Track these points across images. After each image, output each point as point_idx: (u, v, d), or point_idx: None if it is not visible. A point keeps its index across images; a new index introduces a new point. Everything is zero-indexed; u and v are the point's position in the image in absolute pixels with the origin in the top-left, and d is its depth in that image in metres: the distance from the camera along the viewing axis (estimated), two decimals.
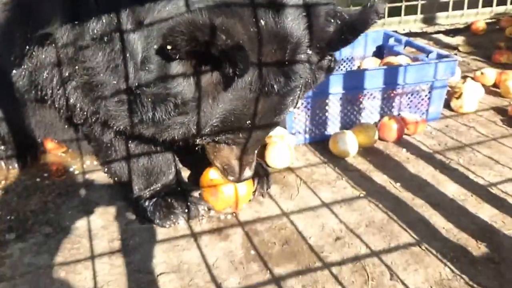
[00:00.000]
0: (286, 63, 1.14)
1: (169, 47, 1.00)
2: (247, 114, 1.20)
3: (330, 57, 1.32)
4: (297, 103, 1.32)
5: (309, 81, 1.29)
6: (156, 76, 1.12)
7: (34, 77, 1.43)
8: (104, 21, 1.16)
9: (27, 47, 1.38)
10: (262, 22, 1.09)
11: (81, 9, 1.20)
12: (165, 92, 1.13)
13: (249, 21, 1.08)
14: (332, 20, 1.20)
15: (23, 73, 1.47)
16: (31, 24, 1.35)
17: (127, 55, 1.14)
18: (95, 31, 1.17)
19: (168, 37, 0.99)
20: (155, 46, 1.10)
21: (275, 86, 1.15)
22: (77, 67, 1.24)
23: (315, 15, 1.18)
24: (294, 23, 1.14)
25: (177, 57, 1.06)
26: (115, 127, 1.30)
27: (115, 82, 1.19)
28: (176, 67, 1.10)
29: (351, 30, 1.19)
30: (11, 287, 1.30)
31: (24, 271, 1.36)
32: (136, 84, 1.15)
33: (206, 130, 1.22)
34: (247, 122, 1.23)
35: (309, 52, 1.20)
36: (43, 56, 1.34)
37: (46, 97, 1.46)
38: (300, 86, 1.24)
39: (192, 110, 1.16)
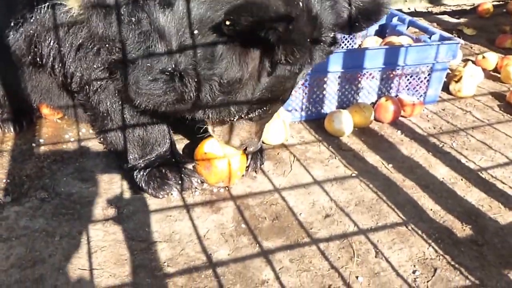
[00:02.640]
0: (318, 44, 1.17)
1: (227, 23, 1.00)
2: (280, 91, 1.25)
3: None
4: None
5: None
6: (201, 57, 1.14)
7: (33, 42, 1.42)
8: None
9: (30, 13, 1.37)
10: (301, 4, 1.10)
11: None
12: (210, 72, 1.16)
13: (293, 2, 1.09)
14: (348, 6, 1.22)
15: (22, 37, 1.45)
16: None
17: (158, 36, 1.15)
18: (122, 10, 1.17)
19: (232, 13, 1.00)
20: (197, 26, 1.10)
21: (304, 65, 1.20)
22: (107, 45, 1.25)
23: None
24: (321, 5, 1.16)
25: (227, 36, 1.07)
26: (140, 106, 1.31)
27: (149, 64, 1.19)
28: (221, 48, 1.12)
29: (364, 19, 1.22)
30: (8, 248, 1.34)
31: (20, 233, 1.39)
32: (173, 65, 1.17)
33: (244, 109, 1.27)
34: (280, 98, 1.29)
35: (331, 35, 1.22)
36: (49, 24, 1.34)
37: (42, 62, 1.46)
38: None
39: (235, 91, 1.20)
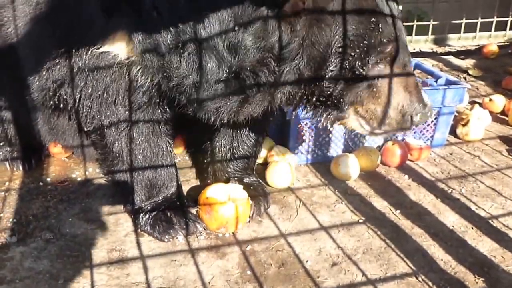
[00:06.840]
0: None
1: None
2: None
3: None
4: None
5: None
6: (253, 39, 1.18)
7: (60, 87, 1.48)
8: (172, 30, 1.23)
9: (61, 60, 1.42)
10: None
11: (145, 22, 1.26)
12: (262, 52, 1.20)
13: None
14: None
15: (48, 81, 1.50)
16: (68, 38, 1.40)
17: (203, 51, 1.21)
18: (169, 42, 1.24)
19: None
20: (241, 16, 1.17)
21: None
22: (165, 73, 1.30)
23: None
24: None
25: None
26: (220, 119, 1.36)
27: (205, 79, 1.25)
28: (271, 21, 1.18)
29: None
30: None
31: (24, 275, 1.38)
32: (227, 70, 1.22)
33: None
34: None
35: None
36: (82, 70, 1.40)
37: (66, 105, 1.53)
38: None
39: (294, 52, 1.21)
